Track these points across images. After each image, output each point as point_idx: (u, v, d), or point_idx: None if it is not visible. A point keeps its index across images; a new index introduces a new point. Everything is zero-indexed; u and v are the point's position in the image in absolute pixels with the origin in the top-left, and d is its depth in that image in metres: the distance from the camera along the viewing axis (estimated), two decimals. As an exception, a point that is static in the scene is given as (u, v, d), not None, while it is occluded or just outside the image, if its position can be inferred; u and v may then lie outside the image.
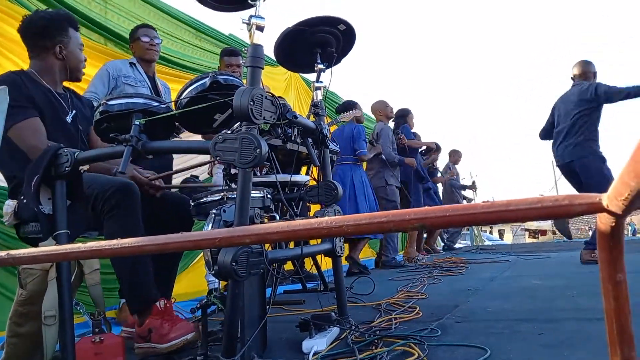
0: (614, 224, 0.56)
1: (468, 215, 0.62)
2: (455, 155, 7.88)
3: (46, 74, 1.88)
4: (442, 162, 7.53)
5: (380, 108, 5.05)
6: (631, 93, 3.74)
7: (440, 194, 7.34)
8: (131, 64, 2.75)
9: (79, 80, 2.02)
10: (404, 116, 5.62)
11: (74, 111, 1.93)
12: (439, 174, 7.24)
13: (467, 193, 8.05)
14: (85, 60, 2.02)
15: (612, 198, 0.51)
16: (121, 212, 1.62)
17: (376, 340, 1.55)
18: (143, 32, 2.77)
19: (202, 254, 2.89)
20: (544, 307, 2.03)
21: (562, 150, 4.03)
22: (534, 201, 0.57)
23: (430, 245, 7.16)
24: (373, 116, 5.35)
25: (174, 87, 3.50)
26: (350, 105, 4.61)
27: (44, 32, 1.88)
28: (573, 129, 3.95)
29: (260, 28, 1.45)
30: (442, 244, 7.94)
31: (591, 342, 1.39)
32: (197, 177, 2.39)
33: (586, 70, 4.04)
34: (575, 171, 3.99)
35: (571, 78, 4.17)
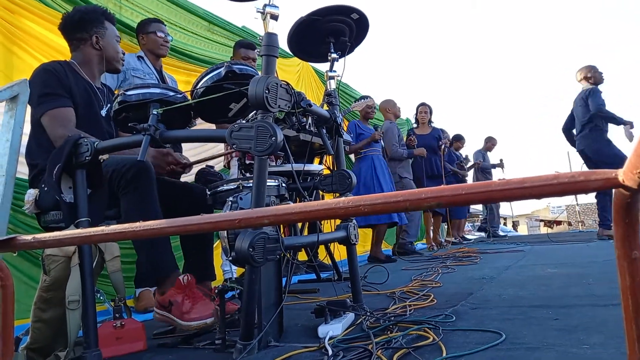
0: (630, 200, 0.56)
1: (483, 193, 0.62)
2: (489, 142, 7.90)
3: (85, 66, 1.99)
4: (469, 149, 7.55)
5: (389, 107, 5.26)
6: (612, 119, 4.91)
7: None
8: (139, 57, 2.78)
9: (118, 71, 2.12)
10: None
11: (108, 105, 2.01)
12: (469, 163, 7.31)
13: (497, 172, 8.01)
14: (124, 53, 2.12)
15: (627, 172, 0.52)
16: (137, 186, 1.67)
17: (391, 326, 1.57)
18: (158, 27, 2.81)
19: (218, 242, 2.93)
20: (559, 294, 2.03)
21: (578, 141, 5.12)
22: (550, 178, 0.57)
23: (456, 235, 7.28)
24: (381, 114, 5.48)
25: (187, 79, 3.53)
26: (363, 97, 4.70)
27: (81, 24, 1.98)
28: (584, 124, 5.02)
29: (274, 17, 1.46)
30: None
31: (607, 326, 1.39)
32: (212, 167, 2.42)
33: (584, 76, 5.13)
34: (589, 157, 4.97)
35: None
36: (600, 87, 5.07)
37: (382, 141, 4.77)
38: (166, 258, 1.75)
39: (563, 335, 1.33)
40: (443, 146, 5.97)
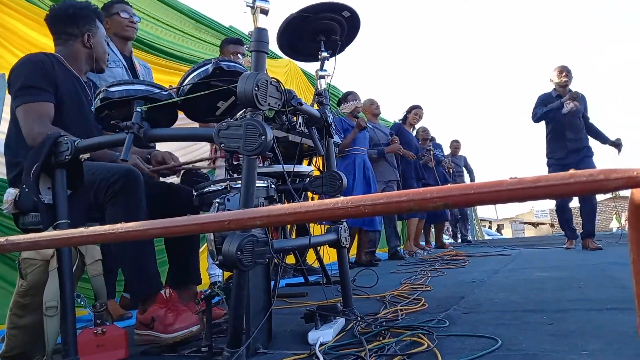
0: (651, 200, 0.53)
1: (492, 192, 0.58)
2: (452, 145, 7.89)
3: (71, 61, 1.91)
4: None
5: (366, 106, 5.18)
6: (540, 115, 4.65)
7: None
8: None
9: (102, 71, 2.08)
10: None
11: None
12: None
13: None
14: (108, 54, 2.11)
15: (652, 170, 0.48)
16: (125, 197, 1.60)
17: (383, 331, 1.52)
18: (122, 8, 2.56)
19: (204, 245, 2.85)
20: (551, 298, 2.01)
21: None
22: (566, 176, 0.53)
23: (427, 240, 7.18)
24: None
25: (173, 79, 3.45)
26: (348, 96, 4.61)
27: (73, 19, 1.92)
28: None
29: (265, 11, 1.41)
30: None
31: (603, 331, 1.37)
32: (198, 168, 2.35)
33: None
34: None
35: None
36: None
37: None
38: (152, 276, 1.69)
39: (560, 341, 1.30)
40: (427, 156, 5.95)
